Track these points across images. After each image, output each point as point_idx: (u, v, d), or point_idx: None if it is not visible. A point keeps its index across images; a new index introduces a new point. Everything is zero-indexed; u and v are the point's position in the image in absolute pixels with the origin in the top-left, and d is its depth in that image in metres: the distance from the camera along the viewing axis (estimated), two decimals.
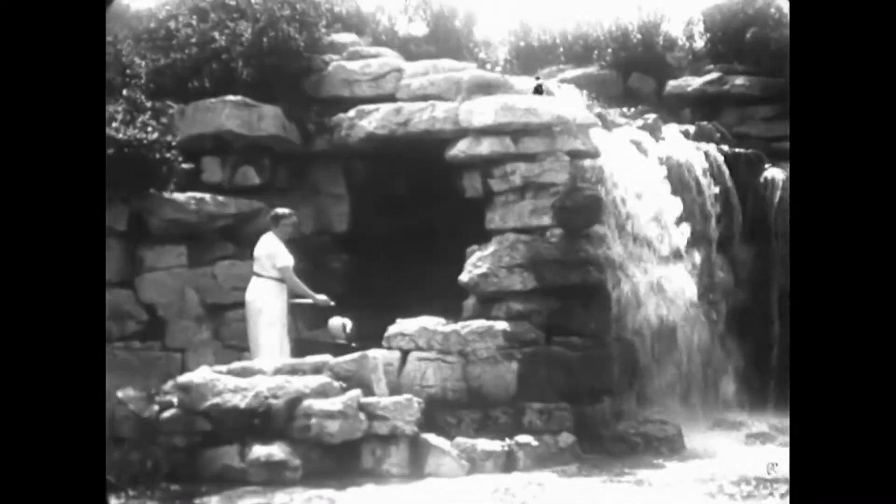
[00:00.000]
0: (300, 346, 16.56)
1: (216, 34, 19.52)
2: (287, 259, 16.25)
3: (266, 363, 14.67)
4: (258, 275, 16.27)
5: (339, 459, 13.49)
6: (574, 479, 13.62)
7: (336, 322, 16.45)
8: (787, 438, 16.48)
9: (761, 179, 20.40)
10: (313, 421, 13.32)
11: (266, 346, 16.02)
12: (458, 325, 15.67)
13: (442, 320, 15.83)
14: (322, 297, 16.53)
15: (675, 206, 18.32)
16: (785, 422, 17.53)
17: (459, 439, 14.28)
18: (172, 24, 20.14)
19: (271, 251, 16.29)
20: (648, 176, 18.51)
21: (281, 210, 16.64)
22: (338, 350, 15.37)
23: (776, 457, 15.05)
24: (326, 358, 14.72)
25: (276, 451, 12.96)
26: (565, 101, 18.93)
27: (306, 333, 17.49)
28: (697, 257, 18.36)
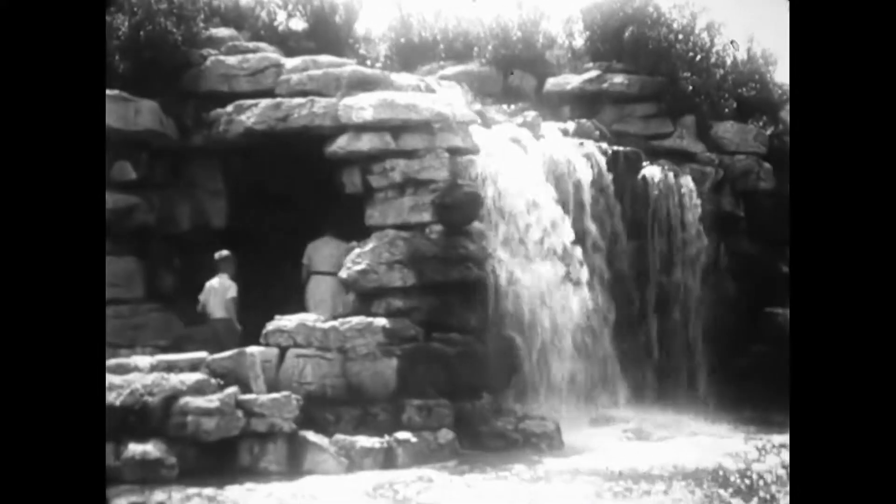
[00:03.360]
0: (177, 343, 16.37)
1: None
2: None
3: (141, 360, 14.48)
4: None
5: (216, 457, 13.37)
6: (454, 476, 13.64)
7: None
8: (664, 433, 16.76)
9: (639, 177, 20.65)
10: (190, 418, 13.19)
11: None
12: (338, 322, 15.61)
13: (321, 317, 15.75)
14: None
15: (555, 202, 18.42)
16: (661, 418, 17.89)
17: (338, 436, 14.23)
18: None
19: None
20: (528, 173, 18.59)
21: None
22: (215, 347, 15.24)
23: (654, 453, 15.27)
24: (203, 355, 14.58)
25: (151, 449, 12.81)
26: (445, 97, 18.92)
27: (182, 330, 17.28)
28: (577, 253, 18.46)
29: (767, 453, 15.38)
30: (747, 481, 13.23)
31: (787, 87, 24.37)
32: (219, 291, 16.98)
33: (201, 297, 17.09)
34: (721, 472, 13.74)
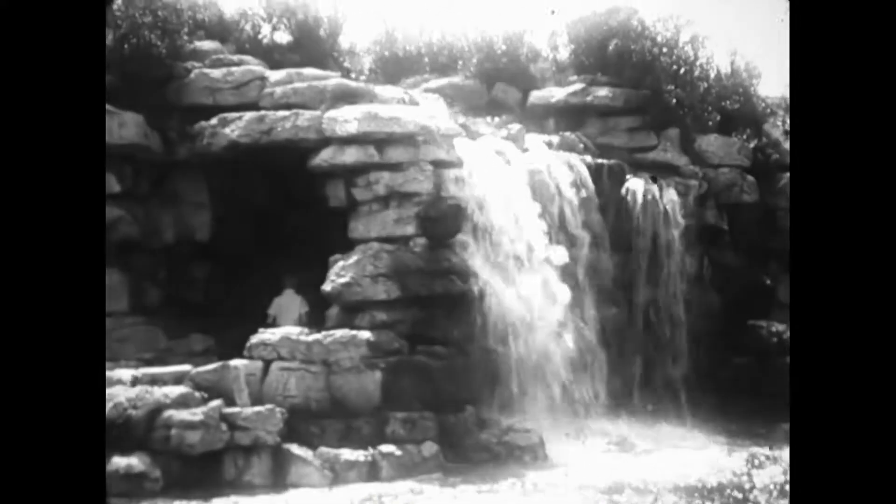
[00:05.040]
0: (161, 357, 16.34)
1: None
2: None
3: (124, 373, 14.45)
4: None
5: (200, 470, 13.38)
6: (441, 488, 13.64)
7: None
8: (648, 445, 16.78)
9: (623, 190, 20.68)
10: (174, 432, 13.19)
11: None
12: (321, 335, 15.60)
13: (305, 330, 15.74)
14: None
15: (539, 215, 18.43)
16: (644, 430, 17.89)
17: (322, 449, 14.24)
18: None
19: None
20: (512, 186, 18.60)
21: None
22: (198, 359, 15.23)
23: (639, 465, 15.29)
24: (187, 368, 14.56)
25: (135, 462, 12.80)
26: (429, 110, 18.93)
27: (166, 343, 17.25)
28: (561, 265, 18.45)
29: (753, 465, 15.40)
30: (735, 493, 13.26)
31: (770, 101, 24.46)
32: (290, 306, 17.13)
33: (271, 312, 17.26)
34: (707, 485, 13.77)
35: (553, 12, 22.23)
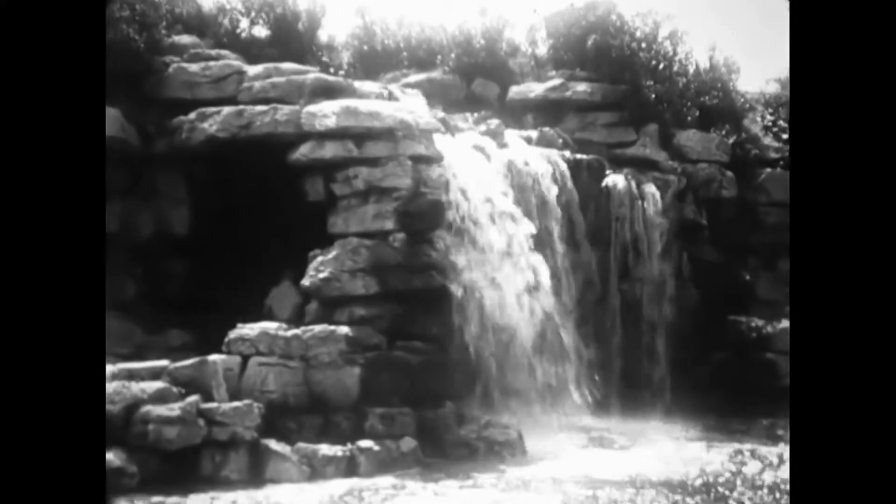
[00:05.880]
0: (138, 352, 16.27)
1: None
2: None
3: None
4: None
5: (177, 466, 13.29)
6: (420, 483, 13.63)
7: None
8: (627, 441, 16.80)
9: (602, 186, 20.69)
10: (151, 427, 13.11)
11: None
12: (300, 330, 15.56)
13: (283, 325, 15.71)
14: None
15: (518, 210, 18.43)
16: (624, 426, 17.93)
17: (300, 444, 14.19)
18: None
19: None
20: (492, 181, 18.59)
21: None
22: (176, 354, 15.17)
23: (618, 461, 15.31)
24: (164, 363, 14.50)
25: (112, 457, 12.68)
26: (408, 105, 18.90)
27: (144, 338, 17.18)
28: (540, 261, 18.45)
29: (733, 461, 15.42)
30: (718, 489, 13.27)
31: (749, 96, 24.52)
32: (285, 298, 17.19)
33: (268, 302, 17.26)
34: (687, 480, 13.78)
35: (535, 11, 22.25)
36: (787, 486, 13.04)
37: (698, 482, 13.66)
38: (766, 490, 13.09)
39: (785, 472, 14.05)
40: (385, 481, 13.68)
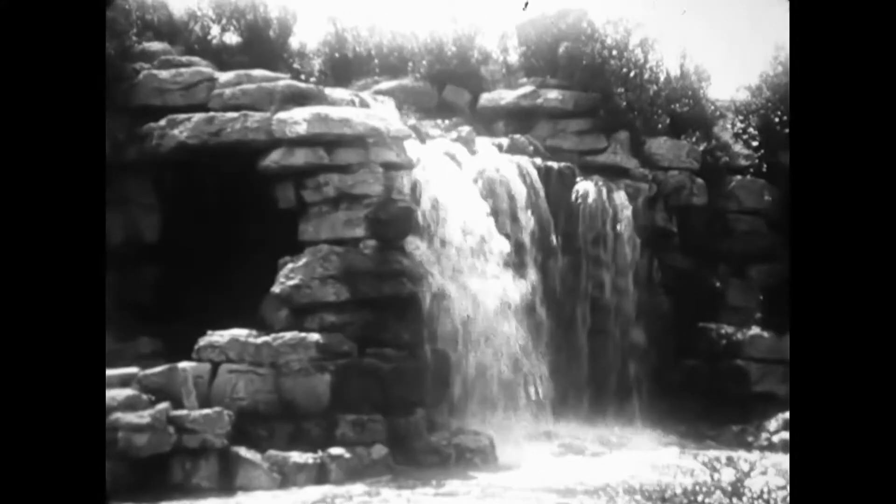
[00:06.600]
0: (108, 359, 16.17)
1: None
2: None
3: None
4: None
5: (147, 473, 13.29)
6: (394, 491, 13.62)
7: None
8: (598, 447, 16.84)
9: (573, 193, 20.72)
10: (121, 434, 13.09)
11: None
12: (270, 337, 15.54)
13: (254, 332, 15.67)
14: None
15: (489, 218, 18.47)
16: (595, 432, 17.96)
17: (271, 452, 14.19)
18: None
19: None
20: (462, 188, 18.61)
21: None
22: (146, 361, 15.13)
23: (589, 467, 15.35)
24: (134, 370, 14.46)
25: None
26: (379, 112, 18.90)
27: (113, 345, 17.10)
28: (511, 269, 18.50)
29: (706, 467, 15.48)
30: (690, 496, 13.31)
31: (719, 104, 24.58)
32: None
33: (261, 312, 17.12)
34: (659, 486, 13.82)
35: (526, 5, 22.18)
36: (761, 493, 13.15)
37: (670, 488, 13.71)
38: (744, 498, 13.14)
39: (759, 480, 14.11)
40: (358, 488, 13.71)
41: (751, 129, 23.61)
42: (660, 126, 23.20)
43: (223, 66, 20.39)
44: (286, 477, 13.89)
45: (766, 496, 13.16)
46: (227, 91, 18.62)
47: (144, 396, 13.86)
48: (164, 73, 19.24)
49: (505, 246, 18.53)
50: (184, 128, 17.88)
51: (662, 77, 24.33)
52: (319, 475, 14.16)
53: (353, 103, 19.15)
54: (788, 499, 12.17)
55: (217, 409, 14.06)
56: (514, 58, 25.14)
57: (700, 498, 13.16)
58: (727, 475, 14.77)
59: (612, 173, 21.86)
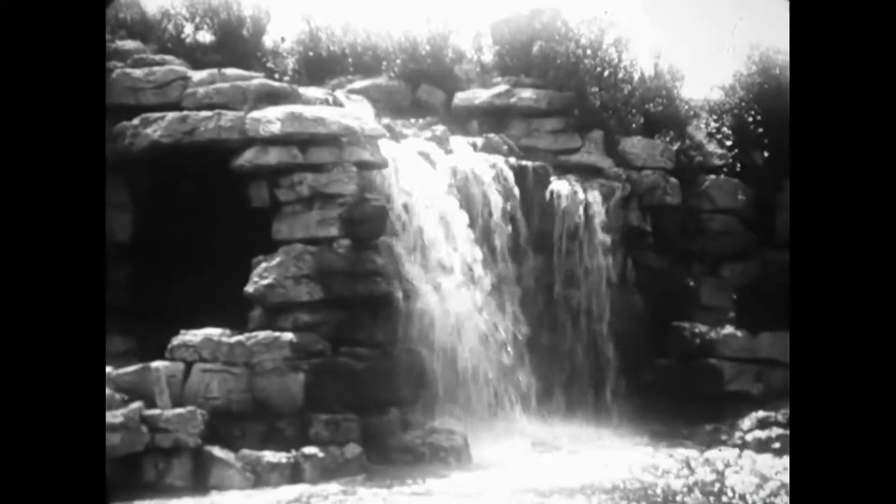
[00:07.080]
0: None
1: None
2: None
3: None
4: None
5: (120, 473, 13.20)
6: (369, 490, 13.61)
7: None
8: (573, 446, 16.86)
9: (547, 192, 20.72)
10: None
11: None
12: (244, 337, 15.52)
13: (227, 331, 15.64)
14: None
15: (463, 217, 18.47)
16: (569, 431, 17.99)
17: (244, 451, 14.17)
18: None
19: None
20: (437, 187, 18.61)
21: None
22: (119, 360, 15.08)
23: (565, 467, 15.35)
24: (108, 369, 14.40)
25: None
26: (353, 111, 18.89)
27: None
28: (485, 268, 18.51)
29: (682, 466, 15.50)
30: (665, 495, 13.33)
31: (693, 103, 24.61)
32: None
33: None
34: (634, 486, 13.84)
35: None
36: (740, 494, 13.18)
37: (644, 487, 13.74)
38: (723, 498, 13.17)
39: (733, 478, 14.13)
40: (333, 488, 13.72)
41: (724, 129, 23.63)
42: (634, 126, 23.22)
43: (197, 65, 20.32)
44: (259, 476, 13.87)
45: (744, 495, 13.18)
46: (201, 90, 18.57)
47: (117, 396, 13.83)
48: (137, 72, 19.17)
49: (477, 245, 18.55)
50: (157, 127, 17.82)
51: (636, 76, 24.34)
52: (293, 474, 14.14)
53: (327, 102, 19.14)
54: (771, 499, 12.28)
55: (190, 408, 14.04)
56: (488, 57, 25.11)
57: (679, 498, 13.18)
58: (702, 474, 14.79)
59: (587, 173, 21.87)
